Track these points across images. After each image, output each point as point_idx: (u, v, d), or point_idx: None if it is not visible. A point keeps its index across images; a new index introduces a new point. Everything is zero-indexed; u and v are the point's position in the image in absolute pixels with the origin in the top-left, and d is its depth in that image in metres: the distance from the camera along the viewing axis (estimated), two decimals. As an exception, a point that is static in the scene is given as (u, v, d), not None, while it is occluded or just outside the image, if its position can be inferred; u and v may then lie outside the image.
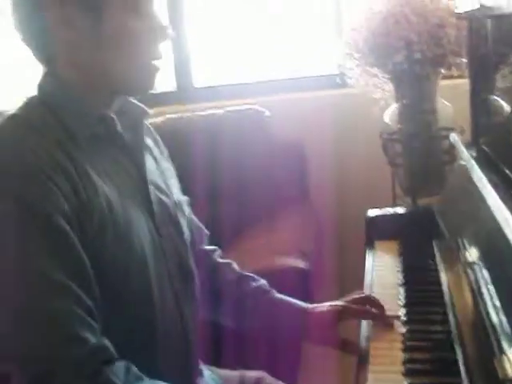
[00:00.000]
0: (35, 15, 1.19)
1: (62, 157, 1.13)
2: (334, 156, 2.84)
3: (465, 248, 1.30)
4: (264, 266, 2.04)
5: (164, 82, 3.33)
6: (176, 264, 1.34)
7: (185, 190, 1.51)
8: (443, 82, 2.35)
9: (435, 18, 2.14)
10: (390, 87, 2.37)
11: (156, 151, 1.45)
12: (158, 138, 1.51)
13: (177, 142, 2.68)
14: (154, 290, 1.25)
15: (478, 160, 1.48)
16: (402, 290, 1.49)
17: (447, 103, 2.35)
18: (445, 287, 1.36)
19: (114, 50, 1.21)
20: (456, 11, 1.95)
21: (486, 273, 1.14)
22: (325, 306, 1.47)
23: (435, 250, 1.55)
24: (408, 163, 2.35)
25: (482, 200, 1.26)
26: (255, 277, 1.56)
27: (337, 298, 1.49)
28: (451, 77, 2.34)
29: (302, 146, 2.85)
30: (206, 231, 1.61)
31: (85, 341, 1.07)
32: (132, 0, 1.20)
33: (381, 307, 1.41)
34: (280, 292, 1.56)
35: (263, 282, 1.56)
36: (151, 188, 1.31)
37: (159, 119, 2.83)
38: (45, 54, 1.25)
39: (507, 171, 1.33)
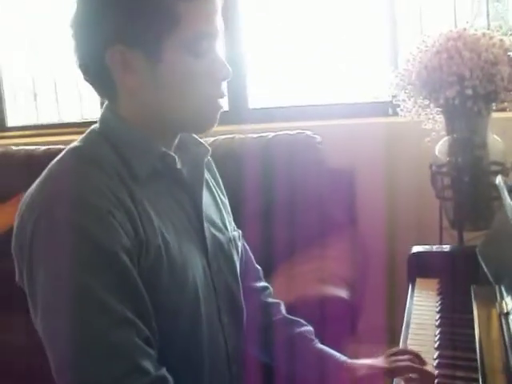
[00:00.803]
0: (95, 56, 1.21)
1: (123, 194, 1.17)
2: (383, 184, 2.84)
3: (502, 297, 1.30)
4: (308, 294, 2.07)
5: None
6: (226, 299, 1.37)
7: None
8: (494, 115, 2.35)
9: (489, 54, 2.14)
10: (441, 119, 2.38)
11: (213, 184, 1.48)
12: (215, 169, 1.53)
13: (228, 163, 2.73)
14: (204, 324, 1.28)
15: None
16: (437, 332, 1.49)
17: (498, 138, 2.35)
18: (477, 335, 1.36)
19: (173, 90, 1.22)
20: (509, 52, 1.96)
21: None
22: (367, 363, 1.41)
23: (473, 293, 1.54)
24: (456, 197, 2.35)
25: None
26: (302, 321, 1.54)
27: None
28: (503, 109, 2.33)
29: (351, 172, 2.86)
30: (259, 267, 1.63)
31: (146, 371, 1.11)
32: (190, 42, 1.20)
33: (421, 370, 1.33)
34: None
35: (309, 328, 1.53)
36: (206, 225, 1.34)
37: (210, 139, 2.88)
38: (105, 93, 1.28)
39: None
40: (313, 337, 1.51)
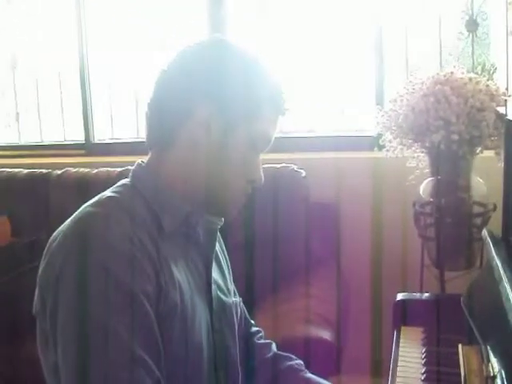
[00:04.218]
0: (183, 100, 1.30)
1: (150, 245, 1.23)
2: (367, 219, 2.86)
3: (488, 359, 1.30)
4: (293, 335, 2.10)
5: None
6: (223, 358, 1.43)
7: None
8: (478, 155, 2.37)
9: (475, 100, 2.17)
10: (425, 158, 2.40)
11: (220, 252, 1.57)
12: (221, 240, 1.61)
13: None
14: (205, 376, 1.35)
15: (506, 260, 1.49)
16: (423, 387, 1.50)
17: (481, 180, 2.37)
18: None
19: (225, 163, 1.32)
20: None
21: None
22: None
23: (460, 351, 1.53)
24: (438, 236, 2.38)
25: (506, 308, 1.27)
26: (292, 356, 1.63)
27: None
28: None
29: (335, 207, 2.88)
30: (252, 322, 1.71)
31: None
32: (256, 135, 1.33)
33: None
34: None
35: (298, 361, 1.62)
36: (213, 287, 1.43)
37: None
38: (165, 138, 1.35)
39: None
40: (303, 368, 1.60)
